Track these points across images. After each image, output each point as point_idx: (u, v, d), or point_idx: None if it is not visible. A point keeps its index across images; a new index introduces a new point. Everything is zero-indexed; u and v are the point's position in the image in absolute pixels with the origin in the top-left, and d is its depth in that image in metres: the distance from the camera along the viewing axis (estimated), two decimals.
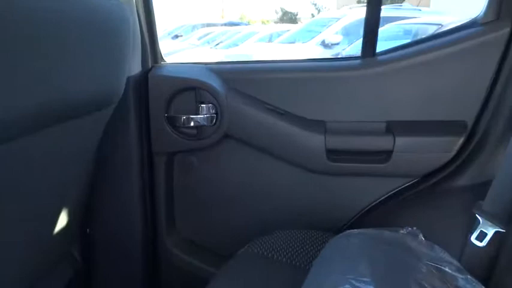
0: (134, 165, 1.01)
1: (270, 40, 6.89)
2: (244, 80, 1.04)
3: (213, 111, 1.01)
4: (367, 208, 1.05)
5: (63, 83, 0.65)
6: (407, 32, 5.04)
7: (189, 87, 1.01)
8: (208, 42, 7.85)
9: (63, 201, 0.83)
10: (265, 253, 0.87)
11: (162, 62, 1.10)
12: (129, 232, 1.05)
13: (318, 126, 1.00)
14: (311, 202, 1.08)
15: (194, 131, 1.04)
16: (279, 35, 6.77)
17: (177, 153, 1.10)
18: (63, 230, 0.86)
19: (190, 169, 1.11)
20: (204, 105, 1.01)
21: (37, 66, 0.58)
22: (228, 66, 1.09)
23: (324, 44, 5.49)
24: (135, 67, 0.97)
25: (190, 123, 1.02)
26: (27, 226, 0.73)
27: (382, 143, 0.97)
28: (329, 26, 5.78)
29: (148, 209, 1.08)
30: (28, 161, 0.65)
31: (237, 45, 6.41)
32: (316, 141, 0.99)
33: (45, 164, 0.70)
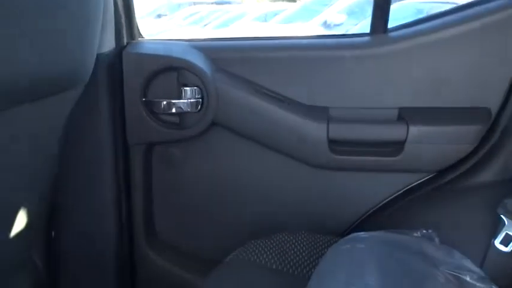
0: (106, 158, 1.01)
1: (265, 20, 6.88)
2: (235, 60, 1.03)
3: (199, 95, 1.00)
4: (376, 208, 1.06)
5: (22, 58, 0.64)
6: (420, 12, 5.05)
7: (170, 67, 1.00)
8: (196, 23, 7.84)
9: (22, 198, 0.82)
10: (259, 259, 0.87)
11: (139, 38, 1.09)
12: (100, 235, 1.05)
13: (320, 113, 1.01)
14: (311, 201, 1.08)
15: (176, 119, 1.04)
16: (275, 15, 6.76)
17: (157, 145, 1.10)
18: (22, 232, 0.84)
19: (172, 163, 1.11)
20: (187, 88, 1.00)
21: None
22: (216, 43, 1.08)
23: (326, 25, 5.49)
24: (107, 43, 0.95)
25: (171, 109, 1.01)
26: None
27: (393, 132, 0.97)
28: (331, 4, 5.77)
29: (124, 208, 1.07)
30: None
31: (228, 25, 6.41)
32: (317, 130, 0.99)
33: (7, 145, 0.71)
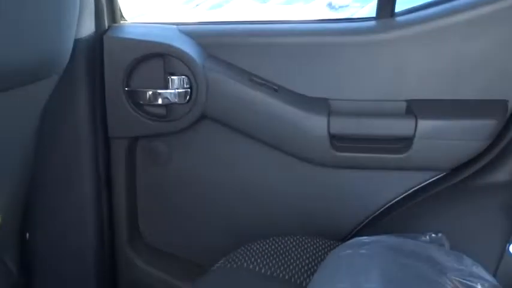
0: (85, 153, 1.01)
1: (263, 1, 6.84)
2: (228, 46, 1.03)
3: (187, 85, 1.01)
4: (381, 210, 1.06)
5: None
6: None
7: (155, 54, 1.00)
8: (187, 3, 7.80)
9: None
10: (252, 265, 0.87)
11: (121, 22, 1.09)
12: (80, 238, 1.05)
13: (320, 105, 1.01)
14: (310, 202, 1.08)
15: (162, 111, 1.04)
16: None
17: (141, 139, 1.10)
18: None
19: (157, 159, 1.11)
20: (175, 77, 1.00)
21: None
22: (207, 27, 1.08)
23: (331, 7, 5.47)
24: (86, 27, 0.96)
25: (157, 100, 1.01)
26: None
27: (401, 127, 0.98)
28: None
29: (105, 209, 1.08)
30: None
31: (222, 6, 6.37)
32: (317, 124, 0.99)
33: None
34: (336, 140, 1.01)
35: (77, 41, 0.90)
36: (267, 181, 1.09)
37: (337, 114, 1.00)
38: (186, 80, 1.00)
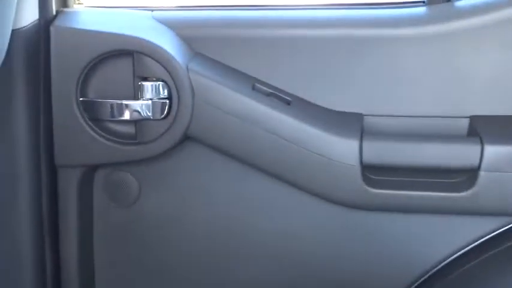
0: (23, 188, 1.01)
1: None
2: (222, 40, 1.05)
3: (165, 93, 1.01)
4: (435, 270, 1.06)
5: None
6: None
7: (121, 51, 1.00)
8: None
9: None
10: None
11: (74, 6, 1.10)
12: None
13: (349, 123, 1.01)
14: (337, 258, 1.08)
15: (131, 129, 1.04)
16: None
17: (100, 169, 1.10)
18: None
19: (123, 196, 1.11)
20: (148, 83, 1.01)
21: None
22: (193, 14, 1.10)
23: None
24: (26, 13, 0.96)
25: (123, 114, 1.02)
26: None
27: (461, 154, 0.98)
28: None
29: (49, 264, 1.08)
30: None
31: None
32: (345, 149, 0.99)
33: None
34: (371, 171, 1.01)
35: (13, 33, 0.90)
36: (274, 229, 1.09)
37: (373, 135, 1.01)
38: (163, 87, 1.00)
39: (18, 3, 0.89)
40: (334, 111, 1.03)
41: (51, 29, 1.00)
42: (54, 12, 1.03)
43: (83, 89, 1.01)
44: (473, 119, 0.99)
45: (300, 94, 1.03)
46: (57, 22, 1.01)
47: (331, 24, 1.04)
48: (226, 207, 1.10)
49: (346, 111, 1.02)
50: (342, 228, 1.07)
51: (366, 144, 0.98)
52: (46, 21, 1.00)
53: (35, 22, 0.97)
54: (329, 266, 1.09)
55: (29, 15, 0.96)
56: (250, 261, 1.11)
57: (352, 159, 0.98)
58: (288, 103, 1.01)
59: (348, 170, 0.99)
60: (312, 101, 1.03)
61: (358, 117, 1.02)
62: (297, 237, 1.09)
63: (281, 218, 1.09)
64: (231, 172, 1.07)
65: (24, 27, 0.94)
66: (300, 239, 1.09)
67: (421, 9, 1.03)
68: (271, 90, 1.02)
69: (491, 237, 1.03)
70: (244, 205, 1.09)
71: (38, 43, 0.99)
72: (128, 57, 1.00)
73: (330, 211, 1.05)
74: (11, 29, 0.87)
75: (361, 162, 0.98)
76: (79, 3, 1.10)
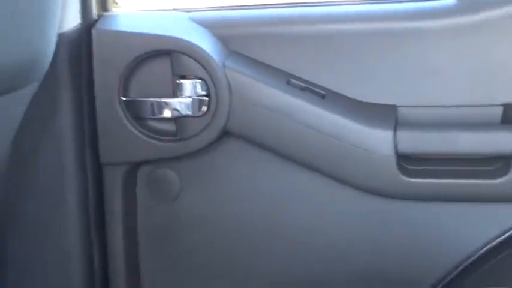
0: (70, 184, 1.03)
1: None
2: (257, 38, 1.05)
3: (203, 91, 1.02)
4: (470, 260, 1.05)
5: None
6: None
7: (160, 51, 1.01)
8: None
9: None
10: None
11: (114, 9, 1.11)
12: None
13: (383, 114, 1.02)
14: (372, 248, 1.08)
15: (171, 126, 1.05)
16: None
17: (143, 165, 1.11)
18: None
19: (165, 191, 1.12)
20: (187, 81, 1.02)
21: None
22: (228, 14, 1.10)
23: None
24: (70, 18, 0.98)
25: (163, 112, 1.03)
26: None
27: (495, 142, 0.97)
28: None
29: (96, 258, 1.09)
30: None
31: None
32: (379, 140, 1.00)
33: None
34: (406, 161, 1.01)
35: (58, 37, 0.92)
36: (311, 220, 1.09)
37: (407, 126, 1.00)
38: (201, 85, 1.01)
39: (62, 9, 0.90)
40: (368, 103, 1.03)
41: (93, 32, 1.01)
42: (95, 16, 1.04)
43: (124, 89, 1.03)
44: (507, 107, 0.98)
45: (334, 88, 1.03)
46: (98, 25, 1.03)
47: (363, 19, 1.04)
48: (264, 201, 1.10)
49: (379, 103, 1.02)
50: (378, 218, 1.07)
51: (401, 134, 0.98)
52: (88, 25, 1.02)
53: (78, 26, 0.99)
54: (365, 256, 1.09)
55: (72, 19, 0.98)
56: (290, 254, 1.11)
57: (387, 149, 0.98)
58: (323, 97, 1.02)
59: (384, 160, 0.99)
60: (346, 94, 1.03)
61: (392, 108, 1.01)
62: (334, 229, 1.09)
63: (318, 210, 1.09)
64: (269, 166, 1.07)
65: (67, 31, 0.96)
66: (337, 230, 1.09)
67: (450, 1, 1.01)
68: (305, 85, 1.02)
69: None
70: (283, 198, 1.09)
71: (80, 46, 1.00)
72: (167, 56, 1.01)
73: (365, 201, 1.05)
74: (56, 33, 0.89)
75: (396, 152, 0.98)
76: (117, 7, 1.12)
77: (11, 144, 0.91)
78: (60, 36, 0.93)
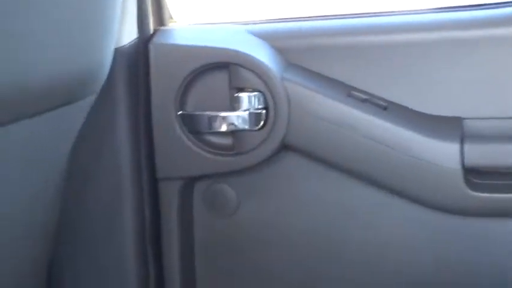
0: (126, 199, 1.04)
1: None
2: (315, 50, 1.05)
3: (261, 104, 1.02)
4: None
5: (28, 61, 0.68)
6: None
7: (217, 64, 1.02)
8: None
9: (8, 252, 0.87)
10: None
11: (171, 24, 1.13)
12: None
13: (449, 126, 1.00)
14: (437, 265, 1.06)
15: (228, 141, 1.06)
16: None
17: (200, 180, 1.12)
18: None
19: (222, 207, 1.12)
20: (244, 94, 1.02)
21: None
22: (285, 26, 1.10)
23: None
24: (127, 32, 0.99)
25: (221, 126, 1.03)
26: None
27: None
28: None
29: (152, 274, 1.10)
30: None
31: None
32: (445, 153, 0.98)
33: None
34: (473, 175, 0.99)
35: (115, 51, 0.93)
36: (374, 234, 1.08)
37: (474, 138, 0.99)
38: (259, 97, 1.01)
39: (119, 23, 0.93)
40: (432, 115, 1.02)
41: (150, 46, 1.03)
42: (151, 31, 1.06)
43: (181, 103, 1.03)
44: None
45: (396, 99, 1.02)
46: (155, 39, 1.04)
47: (425, 28, 1.04)
48: (324, 216, 1.09)
49: (443, 115, 1.01)
50: (443, 234, 1.05)
51: (467, 147, 0.97)
52: (144, 39, 1.03)
53: (135, 40, 1.01)
54: (429, 273, 1.07)
55: (129, 34, 1.00)
56: (349, 269, 1.10)
57: (454, 162, 0.97)
58: (384, 108, 1.01)
59: (450, 174, 0.98)
60: (409, 106, 1.02)
61: (458, 120, 1.00)
62: (396, 245, 1.07)
63: (380, 225, 1.07)
64: (329, 180, 1.06)
65: (124, 45, 0.97)
66: (399, 246, 1.07)
67: None
68: (366, 97, 1.01)
69: None
70: (342, 213, 1.08)
71: (137, 60, 1.02)
72: (224, 69, 1.02)
73: (430, 217, 1.03)
74: (113, 47, 0.91)
75: (463, 165, 0.97)
76: (173, 22, 1.13)
77: (68, 158, 0.92)
78: (118, 50, 0.95)
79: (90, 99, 0.88)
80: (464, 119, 1.00)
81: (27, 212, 0.88)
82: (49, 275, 1.04)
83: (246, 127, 1.02)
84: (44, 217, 0.94)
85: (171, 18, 1.13)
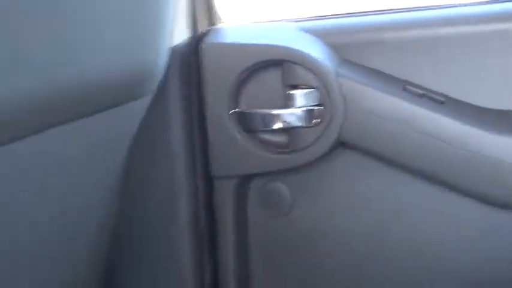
0: (182, 198, 1.04)
1: None
2: (369, 45, 1.05)
3: (316, 101, 1.02)
4: None
5: (84, 59, 0.69)
6: None
7: (271, 61, 1.02)
8: None
9: (62, 254, 0.88)
10: None
11: (221, 23, 1.14)
12: None
13: (506, 120, 1.00)
14: (494, 261, 1.06)
15: (283, 138, 1.06)
16: None
17: (254, 178, 1.12)
18: None
19: (276, 205, 1.12)
20: (298, 91, 1.02)
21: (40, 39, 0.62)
22: (338, 22, 1.10)
23: None
24: (179, 32, 1.00)
25: (275, 123, 1.03)
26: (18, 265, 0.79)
27: None
28: None
29: (208, 272, 1.10)
30: (23, 173, 0.70)
31: None
32: (505, 147, 0.97)
33: (44, 182, 0.75)
34: None
35: (171, 51, 0.94)
36: (430, 231, 1.07)
37: None
38: (314, 94, 1.01)
39: (172, 24, 0.93)
40: (489, 109, 1.01)
41: (202, 45, 1.03)
42: (203, 30, 1.07)
43: (235, 101, 1.04)
44: None
45: (453, 94, 1.01)
46: (207, 39, 1.05)
47: (483, 21, 1.03)
48: (380, 214, 1.09)
49: (501, 108, 1.00)
50: (501, 230, 1.04)
51: None
52: (196, 38, 1.04)
53: (187, 40, 1.02)
54: (486, 271, 1.06)
55: (181, 34, 1.00)
56: (406, 268, 1.10)
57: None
58: (441, 103, 1.00)
59: (507, 168, 0.97)
60: (467, 100, 1.01)
61: None
62: (453, 242, 1.07)
63: (436, 221, 1.07)
64: (384, 177, 1.06)
65: (177, 45, 0.98)
66: (457, 243, 1.06)
67: None
68: (422, 91, 1.01)
69: None
70: (399, 210, 1.08)
71: (190, 60, 1.03)
72: (277, 67, 1.02)
73: (488, 213, 1.02)
74: (168, 47, 0.92)
75: None
76: (223, 22, 1.13)
77: (124, 157, 0.94)
78: (172, 49, 0.96)
79: (147, 99, 0.90)
80: None
81: (83, 213, 0.90)
82: (104, 275, 1.05)
83: (301, 124, 1.02)
84: (100, 217, 0.96)
85: (220, 19, 1.13)
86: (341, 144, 1.03)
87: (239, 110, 1.04)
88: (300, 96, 1.01)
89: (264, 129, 1.04)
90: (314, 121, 1.02)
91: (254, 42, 1.04)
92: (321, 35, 1.05)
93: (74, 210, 0.87)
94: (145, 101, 0.90)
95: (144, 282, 1.09)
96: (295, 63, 1.00)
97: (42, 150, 0.72)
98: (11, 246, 0.76)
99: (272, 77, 1.03)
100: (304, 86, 1.01)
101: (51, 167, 0.77)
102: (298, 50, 1.00)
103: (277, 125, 1.03)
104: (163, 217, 1.06)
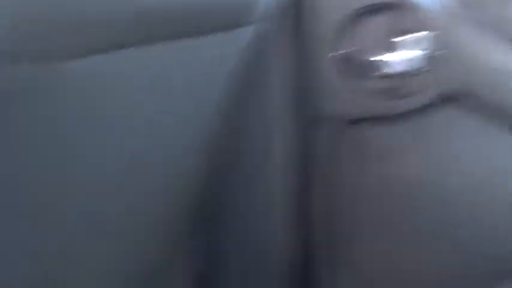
0: (277, 141, 1.06)
1: None
2: None
3: (424, 48, 1.01)
4: None
5: None
6: None
7: (380, 5, 1.01)
8: None
9: (162, 194, 0.91)
10: None
11: None
12: (266, 239, 1.11)
13: None
14: None
15: (385, 84, 1.04)
16: None
17: (354, 124, 1.11)
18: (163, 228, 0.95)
19: (378, 154, 1.11)
20: (406, 37, 1.01)
21: None
22: None
23: None
24: None
25: (379, 69, 1.03)
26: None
27: None
28: None
29: (300, 216, 1.12)
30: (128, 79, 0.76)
31: None
32: None
33: (130, 109, 0.78)
34: None
35: None
36: None
37: None
38: (422, 41, 1.00)
39: None
40: None
41: None
42: None
43: (338, 44, 1.03)
44: None
45: None
46: None
47: None
48: (481, 171, 1.07)
49: None
50: None
51: None
52: None
53: None
54: None
55: None
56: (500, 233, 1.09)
57: None
58: None
59: None
60: None
61: None
62: None
63: None
64: (490, 134, 1.05)
65: None
66: None
67: None
68: None
69: None
70: (502, 170, 1.07)
71: (290, 4, 1.02)
72: (385, 11, 1.01)
73: None
74: None
75: None
76: None
77: (221, 89, 0.94)
78: None
79: (248, 30, 0.89)
80: None
81: (180, 137, 0.91)
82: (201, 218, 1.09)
83: (406, 71, 1.01)
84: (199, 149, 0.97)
85: None
86: (446, 95, 1.02)
87: (343, 53, 1.04)
88: (407, 42, 1.01)
89: (367, 75, 1.04)
90: (421, 69, 1.01)
91: None
92: None
93: (171, 133, 0.89)
94: (247, 32, 0.90)
95: (237, 220, 1.12)
96: (404, 8, 0.99)
97: (143, 63, 0.75)
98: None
99: (379, 22, 1.02)
100: (412, 32, 1.00)
101: (152, 79, 0.80)
102: None
103: (382, 71, 1.02)
104: (257, 157, 1.07)
